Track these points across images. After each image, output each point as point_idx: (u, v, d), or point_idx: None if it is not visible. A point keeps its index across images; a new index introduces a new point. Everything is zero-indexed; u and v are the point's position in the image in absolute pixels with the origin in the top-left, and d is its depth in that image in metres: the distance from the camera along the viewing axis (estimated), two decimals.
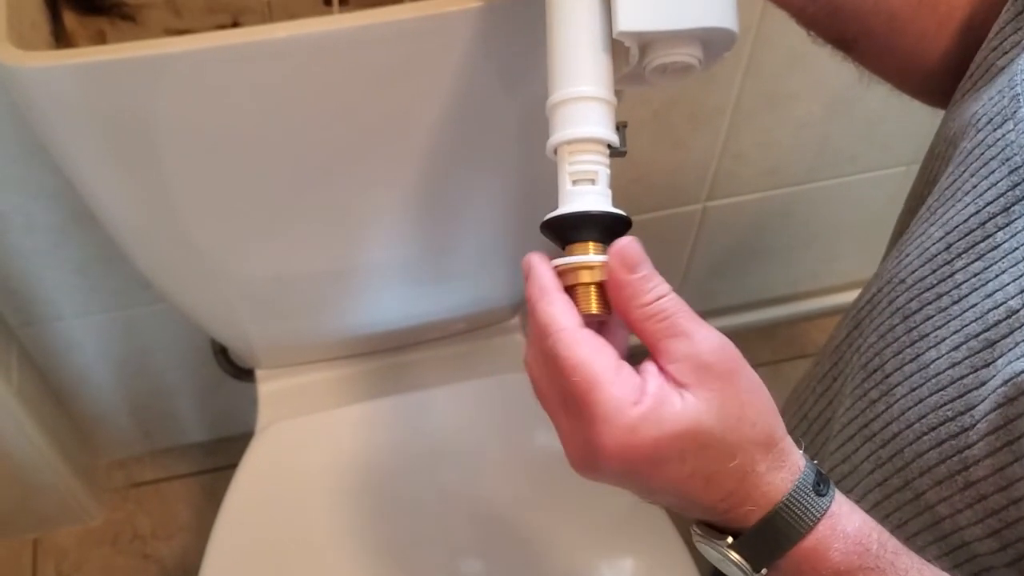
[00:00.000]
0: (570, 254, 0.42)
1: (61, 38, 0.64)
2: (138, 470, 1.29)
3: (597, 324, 0.43)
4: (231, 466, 0.86)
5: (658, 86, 0.48)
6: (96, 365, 1.10)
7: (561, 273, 0.42)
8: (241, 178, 0.64)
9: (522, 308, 0.92)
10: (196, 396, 1.21)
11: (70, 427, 1.17)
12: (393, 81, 0.59)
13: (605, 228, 0.42)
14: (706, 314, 1.30)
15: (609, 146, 0.44)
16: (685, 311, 0.40)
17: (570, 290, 0.42)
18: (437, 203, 0.71)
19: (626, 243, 0.41)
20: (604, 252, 0.42)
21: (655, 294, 0.40)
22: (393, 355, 0.91)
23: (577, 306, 0.41)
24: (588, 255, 0.42)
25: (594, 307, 0.42)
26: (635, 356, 0.41)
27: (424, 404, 0.88)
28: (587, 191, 0.43)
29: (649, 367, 0.40)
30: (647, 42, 0.45)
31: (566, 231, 0.43)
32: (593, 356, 0.39)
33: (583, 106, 0.44)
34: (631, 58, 0.45)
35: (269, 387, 0.90)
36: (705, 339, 0.39)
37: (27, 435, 1.03)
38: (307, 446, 0.85)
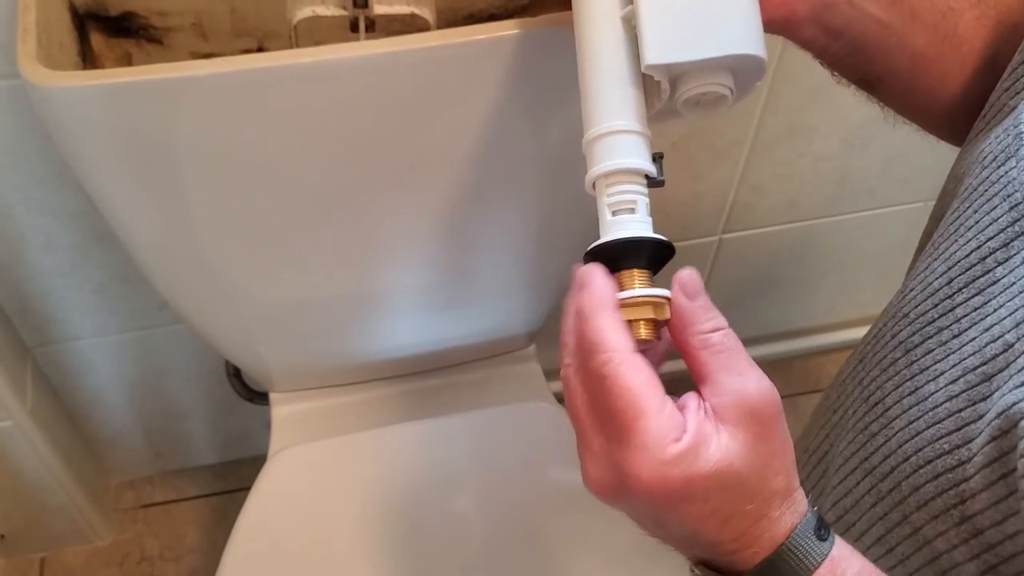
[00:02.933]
0: (616, 282, 0.42)
1: (88, 59, 0.65)
2: (148, 491, 1.29)
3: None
4: (241, 489, 0.86)
5: (693, 120, 0.48)
6: (110, 386, 1.10)
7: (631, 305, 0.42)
8: (262, 202, 0.64)
9: (539, 334, 0.92)
10: (208, 418, 1.21)
11: (82, 447, 1.17)
12: (417, 108, 0.59)
13: (649, 255, 0.42)
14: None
15: (647, 176, 0.44)
16: (741, 349, 0.40)
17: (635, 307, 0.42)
18: (457, 230, 0.71)
19: (687, 273, 0.41)
20: (649, 279, 0.42)
21: (713, 324, 0.40)
22: (408, 381, 0.91)
23: (638, 324, 0.41)
24: (647, 288, 0.42)
25: (643, 333, 0.41)
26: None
27: (439, 431, 0.88)
28: (627, 219, 0.43)
29: (691, 401, 0.40)
30: (677, 74, 0.45)
31: (610, 259, 0.42)
32: (644, 384, 0.39)
33: (617, 139, 0.44)
34: (663, 92, 0.45)
35: (283, 410, 0.90)
36: (755, 381, 0.40)
37: (39, 454, 1.03)
38: (320, 472, 0.85)
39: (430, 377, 0.91)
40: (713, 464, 0.38)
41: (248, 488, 0.84)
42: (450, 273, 0.77)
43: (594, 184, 0.45)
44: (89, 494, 1.17)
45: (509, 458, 0.86)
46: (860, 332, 1.33)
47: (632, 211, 0.43)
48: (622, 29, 0.45)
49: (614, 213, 0.43)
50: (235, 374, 0.97)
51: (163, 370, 1.10)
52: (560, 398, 0.91)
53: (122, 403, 1.14)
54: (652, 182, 0.44)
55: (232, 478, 1.28)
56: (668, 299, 0.42)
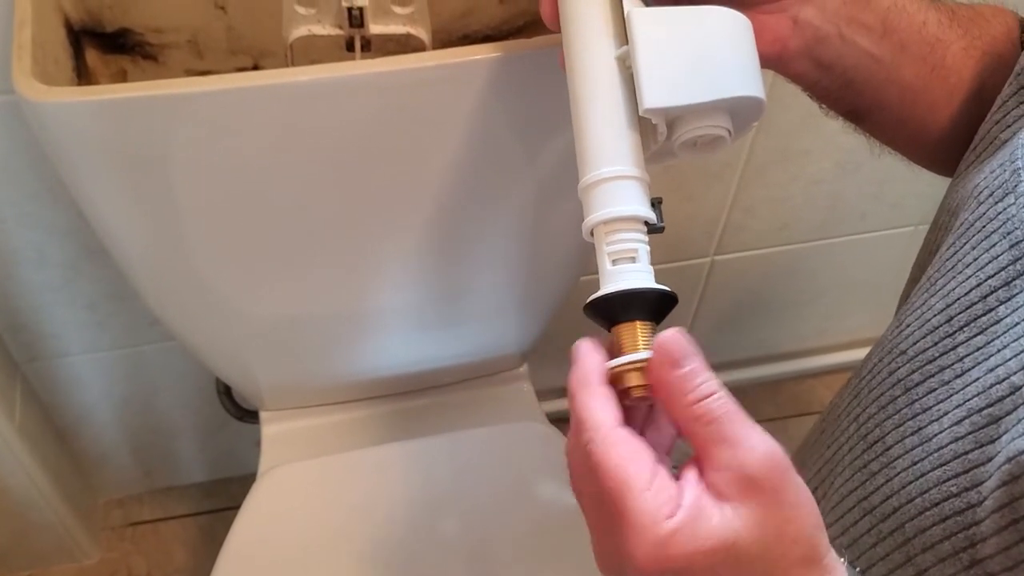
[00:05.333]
0: (617, 335, 0.41)
1: (83, 75, 0.65)
2: (136, 509, 1.28)
3: (647, 409, 0.42)
4: (230, 508, 0.85)
5: (688, 160, 0.47)
6: (100, 403, 1.09)
7: (616, 375, 0.41)
8: (255, 219, 0.64)
9: (531, 354, 0.92)
10: (198, 436, 1.20)
11: (71, 464, 1.16)
12: (412, 127, 0.59)
13: (650, 306, 0.41)
14: (711, 368, 1.31)
15: (647, 223, 0.43)
16: (734, 414, 0.38)
17: (619, 377, 0.41)
18: (449, 249, 0.71)
19: (668, 337, 0.39)
20: (652, 331, 0.41)
21: (701, 392, 0.38)
22: (399, 400, 0.91)
23: (629, 390, 0.40)
24: (638, 352, 0.40)
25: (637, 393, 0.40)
26: None
27: (429, 451, 0.87)
28: (628, 269, 0.42)
29: (689, 474, 0.38)
30: (674, 117, 0.44)
31: (611, 312, 0.41)
32: (628, 461, 0.37)
33: (616, 185, 0.43)
34: (659, 135, 0.44)
35: (273, 429, 0.89)
36: (752, 449, 0.37)
37: (27, 472, 1.02)
38: (310, 491, 0.85)
39: (421, 396, 0.91)
40: (716, 540, 0.36)
41: (237, 507, 0.84)
42: (442, 292, 0.77)
43: (591, 231, 0.43)
44: (77, 512, 1.16)
45: (501, 479, 0.86)
46: (851, 355, 1.35)
47: (633, 260, 0.42)
48: (617, 70, 0.44)
49: (614, 262, 0.42)
50: (225, 392, 0.97)
51: (153, 387, 1.10)
52: (552, 418, 0.92)
53: (112, 420, 1.13)
54: (652, 228, 0.43)
55: (221, 497, 1.27)
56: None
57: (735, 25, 0.45)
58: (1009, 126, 0.50)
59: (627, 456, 0.37)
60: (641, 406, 0.42)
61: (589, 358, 0.41)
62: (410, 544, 0.82)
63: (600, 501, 0.38)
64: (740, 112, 0.45)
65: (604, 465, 0.37)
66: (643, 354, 0.40)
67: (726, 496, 0.37)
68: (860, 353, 1.42)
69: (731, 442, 0.37)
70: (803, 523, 0.38)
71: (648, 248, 0.43)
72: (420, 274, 0.73)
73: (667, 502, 0.37)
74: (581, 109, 0.45)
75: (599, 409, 0.39)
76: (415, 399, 0.91)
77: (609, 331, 0.42)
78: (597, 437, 0.38)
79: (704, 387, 0.38)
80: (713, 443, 0.37)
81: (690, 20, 0.44)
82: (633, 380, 0.40)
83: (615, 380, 0.41)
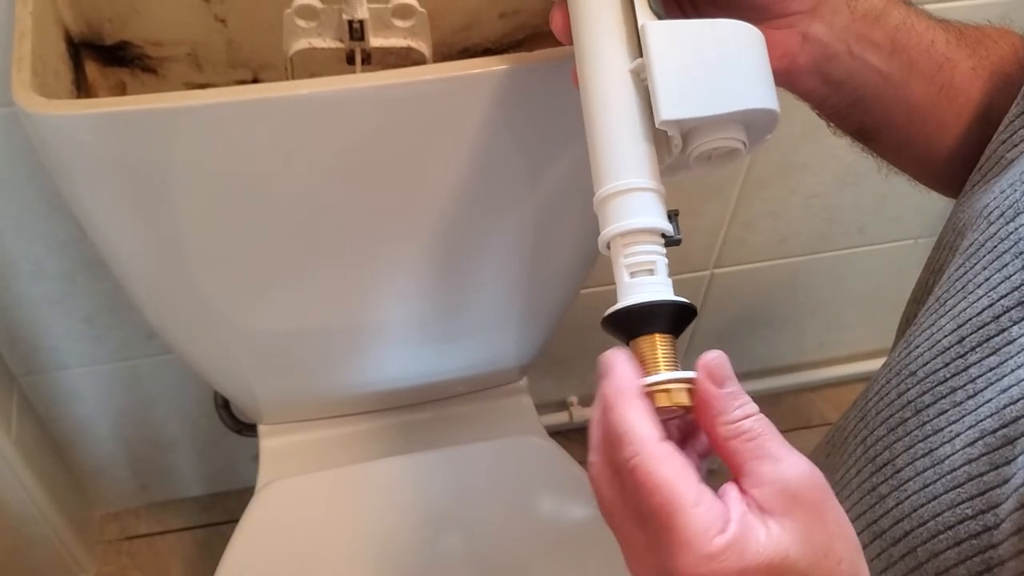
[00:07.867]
0: (636, 348, 0.41)
1: (82, 88, 0.65)
2: (132, 523, 1.27)
3: (676, 434, 0.42)
4: (227, 522, 0.85)
5: (702, 173, 0.47)
6: (97, 416, 1.09)
7: (658, 392, 0.40)
8: (255, 232, 0.64)
9: (531, 367, 0.92)
10: (195, 450, 1.20)
11: (67, 478, 1.16)
12: (412, 141, 0.59)
13: (670, 318, 0.41)
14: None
15: (664, 235, 0.43)
16: (774, 433, 0.38)
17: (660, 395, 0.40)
18: (450, 262, 0.71)
19: (713, 357, 0.39)
20: (672, 344, 0.41)
21: (743, 412, 0.38)
22: (399, 414, 0.90)
23: (657, 403, 0.40)
24: (673, 371, 0.40)
25: (685, 399, 0.40)
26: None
27: (428, 465, 0.87)
28: (647, 281, 0.42)
29: (731, 491, 0.38)
30: (689, 129, 0.44)
31: (630, 325, 0.41)
32: (676, 476, 0.37)
33: (633, 197, 0.43)
34: (674, 147, 0.45)
35: (272, 443, 0.89)
36: (793, 465, 0.37)
37: (23, 485, 1.02)
38: (308, 506, 0.84)
39: (421, 410, 0.91)
40: (766, 557, 0.36)
41: (235, 521, 0.83)
42: (442, 306, 0.76)
43: (608, 244, 0.43)
44: (73, 526, 1.15)
45: (500, 493, 0.86)
46: (850, 368, 1.35)
47: (651, 272, 0.42)
48: (631, 83, 0.44)
49: (632, 275, 0.42)
50: (223, 405, 0.97)
51: (151, 401, 1.09)
52: (550, 432, 0.91)
53: (108, 433, 1.13)
54: (669, 241, 0.43)
55: (218, 511, 1.27)
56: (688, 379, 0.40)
57: (749, 38, 0.45)
58: (1016, 146, 0.50)
59: (675, 472, 0.37)
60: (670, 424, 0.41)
61: (624, 368, 0.40)
62: (409, 558, 0.81)
63: (645, 519, 0.38)
64: (754, 124, 0.45)
65: (652, 481, 0.37)
66: (687, 373, 0.40)
67: (770, 511, 0.37)
68: (860, 366, 1.42)
69: (773, 458, 0.37)
70: (847, 543, 0.38)
71: (666, 260, 0.43)
72: (420, 288, 0.73)
73: (717, 518, 0.36)
74: (596, 122, 0.45)
75: (642, 423, 0.38)
76: (414, 413, 0.91)
77: (627, 344, 0.41)
78: (643, 452, 0.37)
79: (746, 407, 0.39)
80: (756, 458, 0.38)
81: (704, 32, 0.44)
82: (683, 399, 0.39)
83: (654, 396, 0.40)
